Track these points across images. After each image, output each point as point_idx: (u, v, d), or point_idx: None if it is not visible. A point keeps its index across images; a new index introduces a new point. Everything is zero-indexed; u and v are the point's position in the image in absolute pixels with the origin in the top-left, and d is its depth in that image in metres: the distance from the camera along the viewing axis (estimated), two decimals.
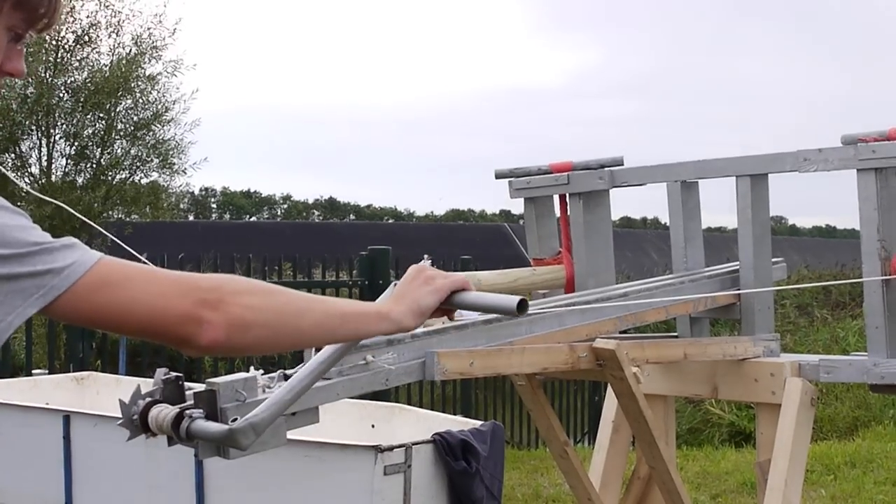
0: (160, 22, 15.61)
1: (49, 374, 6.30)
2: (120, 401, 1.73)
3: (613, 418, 4.28)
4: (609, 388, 3.87)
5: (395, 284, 1.79)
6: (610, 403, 4.31)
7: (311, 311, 1.55)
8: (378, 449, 3.62)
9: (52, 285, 1.33)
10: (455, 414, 7.44)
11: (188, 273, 1.46)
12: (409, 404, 6.69)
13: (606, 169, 4.37)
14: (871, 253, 3.74)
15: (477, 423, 4.24)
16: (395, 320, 1.65)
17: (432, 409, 7.17)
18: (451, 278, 1.71)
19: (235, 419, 1.72)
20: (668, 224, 4.41)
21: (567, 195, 4.46)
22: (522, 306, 1.67)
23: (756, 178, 4.06)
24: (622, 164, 4.38)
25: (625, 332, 4.17)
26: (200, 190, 74.24)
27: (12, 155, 14.97)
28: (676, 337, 4.24)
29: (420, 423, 4.47)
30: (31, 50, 14.46)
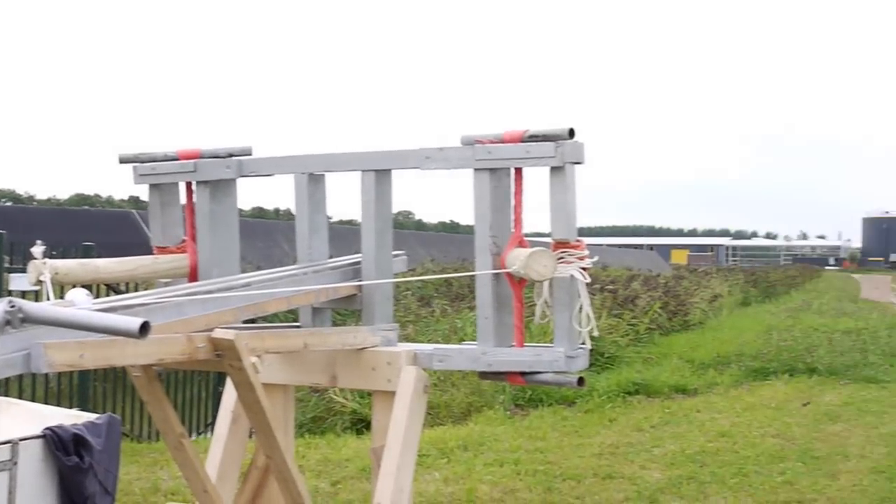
0: None
1: None
2: None
3: (233, 408, 4.27)
4: (229, 379, 3.86)
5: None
6: (229, 394, 4.30)
7: None
8: None
9: None
10: (72, 407, 7.11)
11: None
12: (21, 398, 6.33)
13: (234, 158, 4.35)
14: (483, 248, 3.98)
15: (92, 417, 4.07)
16: None
17: (46, 403, 6.82)
18: None
19: None
20: None
21: (194, 183, 4.40)
22: (145, 329, 1.63)
23: (380, 174, 4.18)
24: (251, 154, 4.38)
25: (252, 321, 4.16)
26: None
27: None
28: (299, 327, 4.29)
29: (31, 418, 4.23)
30: None
